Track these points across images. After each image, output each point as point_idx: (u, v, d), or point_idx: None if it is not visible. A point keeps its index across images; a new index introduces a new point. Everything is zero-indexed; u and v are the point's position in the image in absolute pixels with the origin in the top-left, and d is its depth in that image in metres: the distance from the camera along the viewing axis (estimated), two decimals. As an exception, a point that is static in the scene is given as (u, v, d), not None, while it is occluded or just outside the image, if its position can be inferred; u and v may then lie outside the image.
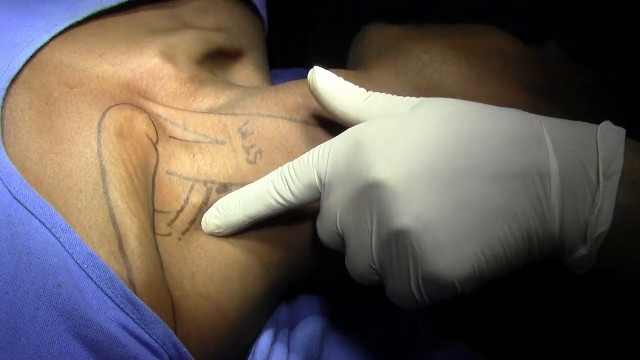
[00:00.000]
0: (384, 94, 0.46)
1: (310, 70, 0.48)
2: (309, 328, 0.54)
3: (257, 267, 0.50)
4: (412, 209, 0.39)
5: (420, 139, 0.41)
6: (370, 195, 0.41)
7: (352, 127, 0.44)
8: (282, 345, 0.52)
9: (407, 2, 0.72)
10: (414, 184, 0.40)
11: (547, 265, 0.43)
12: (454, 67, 0.52)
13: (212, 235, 0.48)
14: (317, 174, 0.44)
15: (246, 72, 0.62)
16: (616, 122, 0.42)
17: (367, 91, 0.47)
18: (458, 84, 0.52)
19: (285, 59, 0.73)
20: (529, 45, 0.56)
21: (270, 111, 0.51)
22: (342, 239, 0.44)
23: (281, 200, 0.46)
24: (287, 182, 0.45)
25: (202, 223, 0.48)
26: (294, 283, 0.55)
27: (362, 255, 0.43)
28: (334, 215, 0.44)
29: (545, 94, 0.53)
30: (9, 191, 0.42)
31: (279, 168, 0.46)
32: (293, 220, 0.50)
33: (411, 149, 0.41)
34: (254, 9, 0.65)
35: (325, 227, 0.45)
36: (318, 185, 0.45)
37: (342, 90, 0.47)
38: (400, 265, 0.40)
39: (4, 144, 0.44)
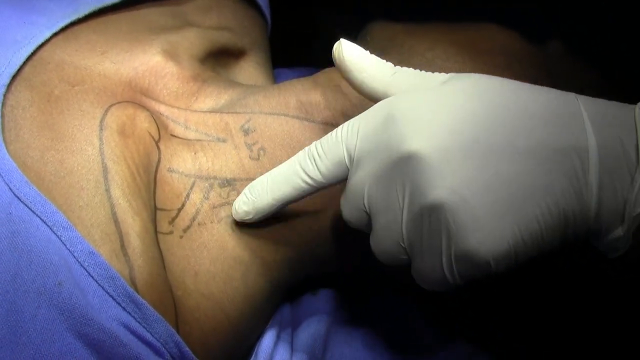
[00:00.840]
0: (412, 69, 0.45)
1: (337, 43, 0.46)
2: (312, 328, 0.54)
3: (260, 266, 0.49)
4: (448, 182, 0.38)
5: (455, 111, 0.40)
6: (402, 168, 0.39)
7: (382, 101, 0.43)
8: (285, 346, 0.52)
9: (411, 1, 0.71)
10: (450, 156, 0.38)
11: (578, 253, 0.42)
12: (457, 64, 0.52)
13: (243, 222, 0.47)
14: (347, 150, 0.43)
15: (249, 71, 0.62)
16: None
17: (395, 66, 0.45)
18: None
19: (288, 57, 0.73)
20: (532, 43, 0.56)
21: (272, 109, 0.51)
22: (368, 216, 0.43)
23: (309, 181, 0.44)
24: (315, 160, 0.44)
25: (232, 210, 0.47)
26: (297, 283, 0.55)
27: (390, 233, 0.41)
28: (362, 190, 0.42)
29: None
30: (10, 189, 0.42)
31: (306, 148, 0.45)
32: (297, 219, 0.50)
33: (446, 122, 0.39)
34: (257, 7, 0.65)
35: (351, 204, 0.43)
36: (347, 162, 0.43)
37: (371, 63, 0.45)
38: (432, 241, 0.39)
39: (4, 141, 0.44)
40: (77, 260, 0.41)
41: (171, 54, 0.53)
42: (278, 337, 0.53)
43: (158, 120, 0.49)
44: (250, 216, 0.47)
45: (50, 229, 0.41)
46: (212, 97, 0.53)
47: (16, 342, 0.39)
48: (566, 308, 0.55)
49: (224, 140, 0.50)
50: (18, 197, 0.42)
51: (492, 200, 0.38)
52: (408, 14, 0.58)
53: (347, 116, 0.50)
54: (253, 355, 0.52)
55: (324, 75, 0.53)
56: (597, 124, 0.39)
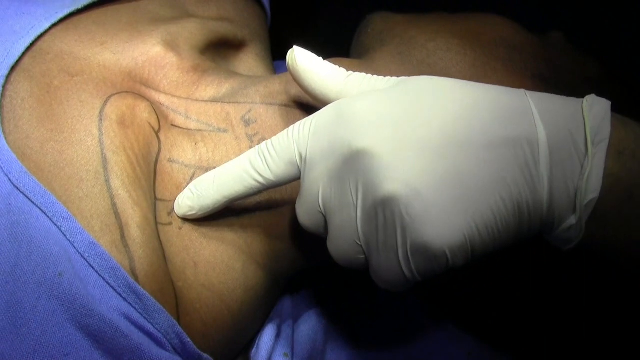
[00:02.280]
0: (364, 74, 0.45)
1: (290, 50, 0.46)
2: (313, 320, 0.54)
3: (260, 257, 0.49)
4: (400, 175, 0.38)
5: (405, 108, 0.40)
6: (354, 165, 0.39)
7: (333, 102, 0.43)
8: (286, 338, 0.52)
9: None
10: (401, 150, 0.38)
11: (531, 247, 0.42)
12: (459, 55, 0.52)
13: (185, 218, 0.47)
14: (298, 150, 0.43)
15: (249, 62, 0.61)
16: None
17: (347, 71, 0.45)
18: (463, 72, 0.51)
19: (288, 49, 0.72)
20: (534, 34, 0.56)
21: (273, 99, 0.51)
22: (324, 218, 0.43)
23: (259, 179, 0.44)
24: (265, 159, 0.44)
25: (174, 206, 0.47)
26: (297, 275, 0.55)
27: (346, 232, 0.41)
28: (316, 191, 0.42)
29: (551, 83, 0.53)
30: (9, 179, 0.42)
31: (257, 146, 0.45)
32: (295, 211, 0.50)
33: (396, 118, 0.40)
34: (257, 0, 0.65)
35: (306, 206, 0.43)
36: (298, 162, 0.43)
37: (322, 70, 0.45)
38: (388, 236, 0.39)
39: (3, 132, 0.44)
40: (78, 251, 0.41)
41: (171, 45, 0.53)
42: (279, 329, 0.53)
43: (158, 111, 0.49)
44: (194, 212, 0.46)
45: (50, 219, 0.41)
46: (213, 87, 0.52)
47: (16, 333, 0.39)
48: (562, 304, 0.55)
49: (224, 131, 0.50)
50: (17, 188, 0.41)
51: (445, 191, 0.38)
52: (410, 4, 0.58)
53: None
54: (254, 347, 0.51)
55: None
56: (547, 116, 0.39)
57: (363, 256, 0.42)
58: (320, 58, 0.46)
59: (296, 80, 0.46)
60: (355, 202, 0.40)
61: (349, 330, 0.55)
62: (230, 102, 0.51)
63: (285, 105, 0.51)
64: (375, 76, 0.45)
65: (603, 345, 0.53)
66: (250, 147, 0.49)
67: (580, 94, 0.53)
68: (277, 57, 0.69)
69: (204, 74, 0.53)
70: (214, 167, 0.48)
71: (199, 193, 0.46)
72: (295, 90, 0.51)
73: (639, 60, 0.63)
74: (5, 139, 0.43)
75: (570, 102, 0.40)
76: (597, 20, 0.68)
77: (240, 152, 0.49)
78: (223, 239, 0.48)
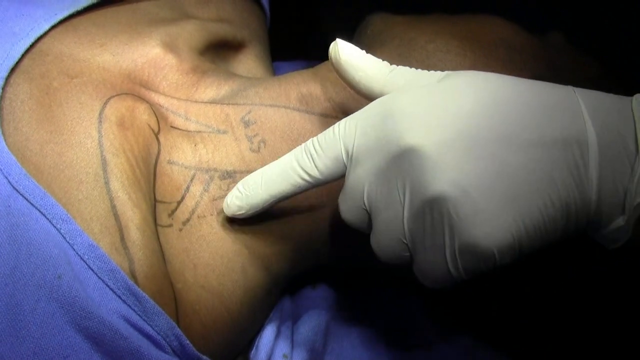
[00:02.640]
0: (408, 67, 0.45)
1: (333, 43, 0.45)
2: (312, 321, 0.54)
3: (260, 259, 0.49)
4: (449, 175, 0.38)
5: (454, 106, 0.40)
6: (402, 163, 0.39)
7: (379, 98, 0.43)
8: (285, 339, 0.52)
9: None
10: (450, 149, 0.38)
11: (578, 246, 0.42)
12: (458, 57, 0.52)
13: (235, 217, 0.47)
14: (344, 147, 0.42)
15: (248, 64, 0.61)
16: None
17: (391, 65, 0.45)
18: None
19: (287, 51, 0.73)
20: (533, 35, 0.56)
21: (273, 101, 0.51)
22: (368, 215, 0.43)
23: (306, 177, 0.44)
24: (312, 156, 0.43)
25: (223, 206, 0.47)
26: (296, 276, 0.55)
27: (392, 229, 0.41)
28: (361, 188, 0.42)
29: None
30: (9, 181, 0.42)
31: (303, 144, 0.45)
32: (296, 212, 0.50)
33: (444, 116, 0.39)
34: (256, 1, 0.65)
35: (350, 203, 0.43)
36: (345, 159, 0.43)
37: (367, 62, 0.45)
38: (435, 235, 0.39)
39: (3, 134, 0.44)
40: (77, 253, 0.41)
41: (170, 46, 0.53)
42: (278, 330, 0.53)
43: (158, 112, 0.49)
44: (243, 211, 0.46)
45: (50, 221, 0.41)
46: (213, 88, 0.52)
47: (16, 336, 0.39)
48: (567, 302, 0.55)
49: (224, 132, 0.50)
50: (17, 190, 0.41)
51: (494, 191, 0.38)
52: (410, 5, 0.58)
53: (347, 108, 0.50)
54: (254, 348, 0.52)
55: (325, 67, 0.53)
56: (596, 115, 0.39)
57: (408, 253, 0.42)
58: (364, 51, 0.46)
59: (339, 73, 0.46)
60: (402, 201, 0.40)
61: (348, 332, 0.55)
62: (229, 104, 0.51)
63: (285, 107, 0.51)
64: (419, 70, 0.44)
65: (604, 346, 0.53)
66: (251, 149, 0.49)
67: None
68: (276, 58, 0.69)
69: (204, 76, 0.53)
70: (214, 168, 0.48)
71: (247, 192, 0.46)
72: (294, 92, 0.51)
73: (639, 60, 0.63)
74: (5, 141, 0.43)
75: (619, 100, 0.40)
76: (597, 20, 0.68)
77: (240, 153, 0.49)
78: (222, 241, 0.48)
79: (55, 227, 0.41)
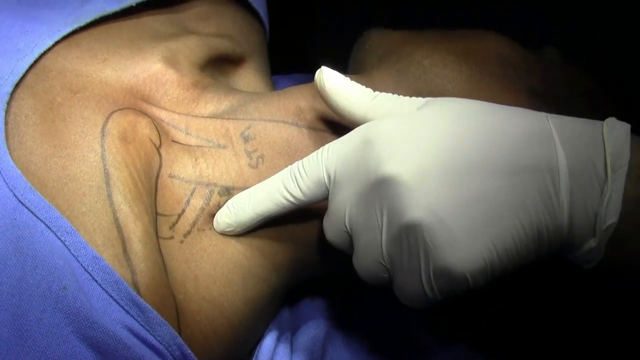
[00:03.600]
0: (390, 94, 0.46)
1: (318, 70, 0.48)
2: (311, 332, 0.55)
3: (260, 270, 0.50)
4: (424, 202, 0.39)
5: (430, 134, 0.41)
6: (380, 190, 0.41)
7: (361, 126, 0.44)
8: (285, 349, 0.53)
9: (408, 8, 0.72)
10: (425, 177, 0.40)
11: (552, 266, 0.43)
12: (454, 72, 0.52)
13: (224, 234, 0.48)
14: (327, 171, 0.44)
15: (248, 78, 0.62)
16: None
17: (374, 91, 0.47)
18: (459, 89, 0.52)
19: (287, 65, 0.73)
20: (528, 50, 0.56)
21: (272, 116, 0.52)
22: (350, 237, 0.44)
23: (290, 198, 0.46)
24: (296, 180, 0.45)
25: (213, 223, 0.48)
26: (296, 286, 0.55)
27: (371, 252, 0.43)
28: (343, 212, 0.44)
29: (545, 99, 0.53)
30: (14, 195, 0.42)
31: (289, 166, 0.46)
32: (294, 225, 0.50)
33: (421, 144, 0.41)
34: (255, 15, 0.66)
35: (333, 225, 0.45)
36: (327, 183, 0.45)
37: (350, 90, 0.47)
38: (411, 259, 0.40)
39: (8, 148, 0.44)
40: (81, 265, 0.41)
41: (171, 61, 0.53)
42: (278, 341, 0.53)
43: (159, 127, 0.50)
44: (232, 228, 0.48)
45: (55, 234, 0.42)
46: (213, 103, 0.53)
47: (22, 345, 0.39)
48: (561, 312, 0.55)
49: (224, 147, 0.51)
50: (22, 203, 0.42)
51: (467, 218, 0.39)
52: (407, 20, 0.59)
53: (344, 124, 0.51)
54: (253, 358, 0.52)
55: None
56: (567, 141, 0.40)
57: (387, 275, 0.43)
58: (348, 78, 0.47)
59: (324, 99, 0.48)
60: (380, 225, 0.42)
61: (346, 342, 0.55)
62: (229, 119, 0.52)
63: (283, 122, 0.51)
64: (401, 97, 0.46)
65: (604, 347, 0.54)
66: (249, 164, 0.50)
67: (574, 108, 0.54)
68: (275, 71, 0.70)
69: (204, 91, 0.54)
70: (214, 183, 0.49)
71: (236, 211, 0.47)
72: (293, 107, 0.52)
73: (633, 75, 0.64)
74: (10, 155, 0.44)
75: (591, 125, 0.41)
76: (592, 35, 0.68)
77: (240, 169, 0.50)
78: (223, 253, 0.48)
79: (60, 239, 0.42)
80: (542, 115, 0.42)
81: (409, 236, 0.40)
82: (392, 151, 0.41)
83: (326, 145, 0.45)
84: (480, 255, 0.39)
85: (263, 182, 0.48)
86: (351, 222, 0.43)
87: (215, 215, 0.48)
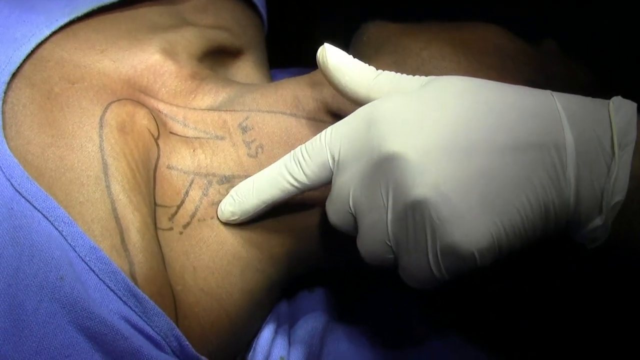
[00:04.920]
0: (393, 72, 0.46)
1: (320, 47, 0.47)
2: (309, 324, 0.55)
3: (258, 262, 0.50)
4: (430, 179, 0.39)
5: (435, 112, 0.41)
6: (385, 168, 0.40)
7: (364, 105, 0.44)
8: (282, 341, 0.53)
9: (407, 3, 0.72)
10: (430, 154, 0.39)
11: (558, 246, 0.43)
12: (452, 64, 0.52)
13: (228, 222, 0.48)
14: (331, 153, 0.44)
15: (246, 70, 0.62)
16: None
17: (377, 70, 0.46)
18: None
19: (285, 58, 0.73)
20: (527, 43, 0.56)
21: (270, 107, 0.52)
22: (354, 218, 0.44)
23: (295, 183, 0.45)
24: (300, 163, 0.45)
25: (217, 212, 0.48)
26: (294, 279, 0.55)
27: (376, 232, 0.42)
28: (347, 193, 0.43)
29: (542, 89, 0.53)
30: (11, 184, 0.42)
31: (292, 151, 0.46)
32: (293, 216, 0.50)
33: (426, 122, 0.40)
34: (254, 7, 0.66)
35: (337, 207, 0.44)
36: (331, 165, 0.44)
37: (353, 67, 0.46)
38: (418, 238, 0.40)
39: (5, 138, 0.44)
40: (79, 255, 0.41)
41: (170, 53, 0.53)
42: (276, 333, 0.53)
43: (157, 118, 0.50)
44: (236, 217, 0.48)
45: (52, 224, 0.42)
46: (211, 95, 0.53)
47: (18, 336, 0.39)
48: (559, 302, 0.55)
49: (222, 138, 0.50)
50: (19, 193, 0.42)
51: (473, 194, 0.39)
52: (405, 13, 0.59)
53: (343, 113, 0.51)
54: (251, 350, 0.52)
55: (321, 73, 0.53)
56: (573, 118, 0.40)
57: (392, 256, 0.43)
58: (351, 56, 0.47)
59: (326, 76, 0.47)
60: (385, 205, 0.41)
61: (345, 334, 0.55)
62: (227, 110, 0.52)
63: (282, 113, 0.51)
64: (404, 75, 0.45)
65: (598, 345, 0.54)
66: (248, 154, 0.50)
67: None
68: (273, 64, 0.70)
69: (202, 82, 0.54)
70: (213, 173, 0.49)
71: (240, 199, 0.47)
72: (291, 98, 0.52)
73: (632, 67, 0.64)
74: (7, 144, 0.44)
75: (597, 103, 0.41)
76: (590, 28, 0.68)
77: (238, 158, 0.50)
78: (222, 244, 0.48)
79: (57, 229, 0.42)
80: (548, 92, 0.42)
81: (415, 214, 0.39)
82: (397, 129, 0.41)
83: (329, 127, 0.45)
84: (488, 232, 0.39)
85: (266, 168, 0.47)
86: (355, 202, 0.43)
87: (220, 204, 0.48)
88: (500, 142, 0.39)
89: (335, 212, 0.45)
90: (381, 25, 0.59)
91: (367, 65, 0.46)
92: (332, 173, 0.44)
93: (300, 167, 0.45)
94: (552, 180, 0.39)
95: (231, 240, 0.49)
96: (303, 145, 0.45)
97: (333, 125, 0.45)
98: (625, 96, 0.42)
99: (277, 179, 0.46)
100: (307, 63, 0.70)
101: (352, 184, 0.43)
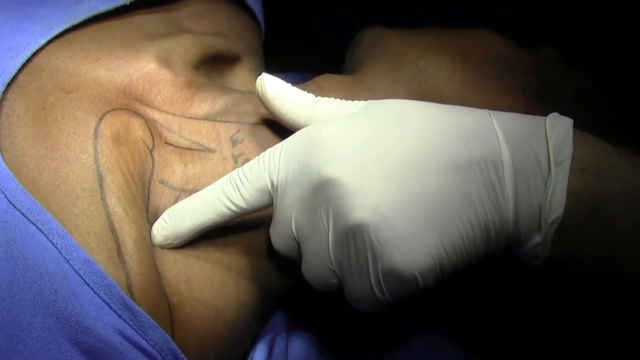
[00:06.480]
0: (332, 98, 0.46)
1: (259, 77, 0.47)
2: (306, 334, 0.55)
3: (252, 272, 0.50)
4: (368, 202, 0.39)
5: (371, 134, 0.41)
6: (324, 193, 0.40)
7: (302, 129, 0.44)
8: (279, 351, 0.52)
9: (405, 7, 0.71)
10: (367, 177, 0.39)
11: (502, 262, 0.43)
12: (449, 73, 0.52)
13: (161, 247, 0.47)
14: (269, 177, 0.44)
15: (243, 77, 0.62)
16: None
17: (316, 97, 0.46)
18: (454, 90, 0.52)
19: (282, 63, 0.73)
20: (524, 49, 0.56)
21: (259, 119, 0.51)
22: (297, 244, 0.44)
23: (232, 207, 0.45)
24: (237, 187, 0.44)
25: (151, 236, 0.47)
26: (289, 288, 0.55)
27: (319, 257, 0.42)
28: (289, 218, 0.43)
29: (541, 98, 0.53)
30: (6, 197, 0.42)
31: (229, 174, 0.46)
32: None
33: (363, 144, 0.40)
34: (250, 13, 0.65)
35: (280, 232, 0.44)
36: (270, 189, 0.44)
37: (291, 96, 0.46)
38: (359, 262, 0.40)
39: (0, 149, 0.44)
40: (73, 268, 0.41)
41: (165, 61, 0.53)
42: (272, 342, 0.53)
43: (152, 128, 0.50)
44: (169, 241, 0.47)
45: (46, 236, 0.41)
46: (207, 103, 0.53)
47: (12, 350, 0.39)
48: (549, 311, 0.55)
49: (213, 151, 0.50)
50: (14, 205, 0.42)
51: (412, 215, 0.39)
52: (403, 19, 0.59)
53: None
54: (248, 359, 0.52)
55: (313, 84, 0.53)
56: (510, 136, 0.40)
57: (336, 280, 0.43)
58: (289, 84, 0.47)
59: (265, 106, 0.48)
60: (326, 229, 0.41)
61: (342, 344, 0.55)
62: (221, 121, 0.51)
63: (273, 126, 0.51)
64: (343, 101, 0.46)
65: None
66: (235, 168, 0.50)
67: (569, 108, 0.54)
68: (271, 69, 0.69)
69: (198, 90, 0.53)
70: (198, 190, 0.48)
71: (173, 222, 0.46)
72: None
73: (630, 74, 0.64)
74: (2, 156, 0.44)
75: (534, 121, 0.41)
76: (588, 34, 0.68)
77: (225, 172, 0.49)
78: (209, 258, 0.48)
79: (51, 242, 0.41)
80: (485, 112, 0.42)
81: (355, 237, 0.39)
82: (334, 153, 0.41)
83: (267, 150, 0.44)
84: (429, 253, 0.39)
85: (202, 190, 0.46)
86: (297, 227, 0.43)
87: (152, 228, 0.47)
88: (438, 161, 0.39)
89: (278, 237, 0.45)
90: (379, 32, 0.58)
91: (305, 92, 0.47)
92: (271, 197, 0.44)
93: (238, 190, 0.45)
94: (490, 198, 0.39)
95: (218, 253, 0.48)
96: (241, 168, 0.45)
97: (270, 148, 0.44)
98: (625, 96, 0.42)
99: (214, 202, 0.45)
100: (304, 69, 0.70)
101: (294, 208, 0.43)
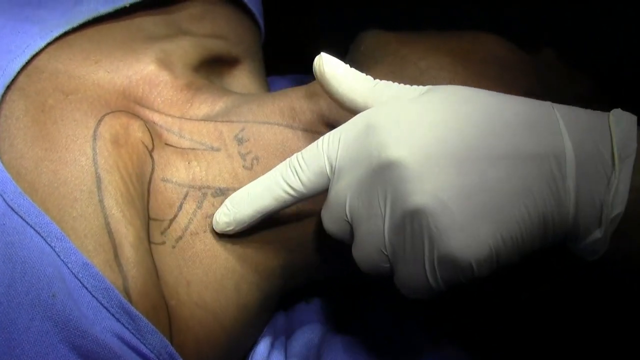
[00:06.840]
0: (391, 82, 0.45)
1: (317, 57, 0.46)
2: (306, 336, 0.54)
3: (253, 275, 0.50)
4: (429, 187, 0.38)
5: (434, 119, 0.40)
6: (384, 176, 0.40)
7: (363, 112, 0.43)
8: (279, 354, 0.52)
9: (405, 9, 0.71)
10: (430, 162, 0.39)
11: (556, 256, 0.43)
12: (450, 74, 0.52)
13: (224, 233, 0.48)
14: (328, 160, 0.43)
15: (243, 79, 0.62)
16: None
17: (375, 79, 0.46)
18: None
19: (282, 66, 0.73)
20: (525, 51, 0.56)
21: (266, 118, 0.51)
22: (350, 226, 0.43)
23: (291, 191, 0.45)
24: (296, 171, 0.44)
25: (212, 222, 0.48)
26: (290, 291, 0.55)
27: (372, 240, 0.42)
28: (343, 200, 0.43)
29: (541, 99, 0.53)
30: (4, 199, 0.42)
31: (288, 159, 0.45)
32: (287, 227, 0.50)
33: (426, 129, 0.40)
34: (250, 15, 0.65)
35: (333, 214, 0.44)
36: (329, 172, 0.43)
37: (350, 76, 0.46)
38: (415, 247, 0.40)
39: None
40: (71, 272, 0.41)
41: (165, 63, 0.53)
42: (272, 345, 0.53)
43: (152, 129, 0.50)
44: (231, 227, 0.47)
45: (44, 239, 0.41)
46: (207, 105, 0.53)
47: (10, 354, 0.39)
48: (555, 313, 0.55)
49: (217, 149, 0.50)
50: (12, 208, 0.42)
51: (472, 204, 0.38)
52: (404, 22, 0.59)
53: (339, 125, 0.51)
54: (247, 364, 0.52)
55: (317, 84, 0.53)
56: (573, 130, 0.40)
57: (388, 264, 0.42)
58: (347, 65, 0.46)
59: (323, 86, 0.46)
60: (383, 213, 0.41)
61: (342, 346, 0.55)
62: (223, 121, 0.51)
63: (278, 124, 0.51)
64: (402, 84, 0.45)
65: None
66: (244, 166, 0.50)
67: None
68: (270, 72, 0.69)
69: (198, 92, 0.53)
70: (207, 186, 0.49)
71: (234, 209, 0.46)
72: (287, 109, 0.52)
73: (630, 76, 0.64)
74: (1, 158, 0.44)
75: (597, 115, 0.41)
76: (588, 36, 0.68)
77: (233, 170, 0.49)
78: (215, 258, 0.48)
79: (49, 245, 0.41)
80: (548, 104, 0.41)
81: (413, 222, 0.39)
82: (396, 136, 0.40)
83: (327, 134, 0.44)
84: (486, 242, 0.38)
85: (261, 177, 0.46)
86: (352, 210, 0.42)
87: (214, 215, 0.48)
88: (501, 151, 0.39)
89: (331, 219, 0.44)
90: (379, 34, 0.58)
91: (364, 74, 0.46)
92: (329, 181, 0.44)
93: (297, 175, 0.44)
94: (551, 191, 0.39)
95: (224, 254, 0.48)
96: (300, 153, 0.45)
97: (330, 132, 0.44)
98: (625, 98, 0.42)
99: (273, 188, 0.45)
100: (305, 70, 0.70)
101: (349, 191, 0.42)
